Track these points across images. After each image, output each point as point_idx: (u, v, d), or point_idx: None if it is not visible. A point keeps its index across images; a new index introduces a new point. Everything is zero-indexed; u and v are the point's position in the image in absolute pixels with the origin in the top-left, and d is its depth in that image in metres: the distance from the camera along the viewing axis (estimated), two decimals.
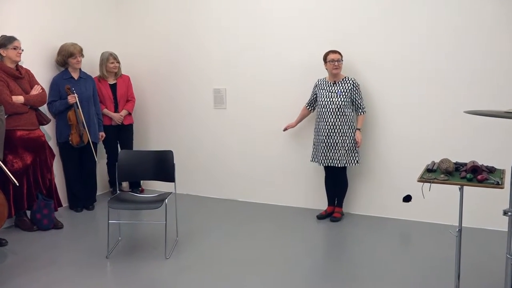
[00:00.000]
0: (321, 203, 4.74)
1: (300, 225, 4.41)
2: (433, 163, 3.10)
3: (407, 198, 4.23)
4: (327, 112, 4.30)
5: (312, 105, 4.54)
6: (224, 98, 5.19)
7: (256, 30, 4.91)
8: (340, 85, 4.32)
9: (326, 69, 4.35)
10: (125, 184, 5.53)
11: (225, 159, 5.29)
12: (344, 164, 4.32)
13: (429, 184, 2.67)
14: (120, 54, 5.28)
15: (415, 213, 4.44)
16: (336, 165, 4.33)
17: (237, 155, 5.21)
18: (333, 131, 4.29)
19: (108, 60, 5.07)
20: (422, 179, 2.72)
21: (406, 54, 4.31)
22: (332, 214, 4.54)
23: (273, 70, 4.88)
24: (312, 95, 4.51)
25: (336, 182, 4.51)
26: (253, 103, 5.04)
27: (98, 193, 5.25)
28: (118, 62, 5.17)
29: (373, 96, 4.47)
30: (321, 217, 4.55)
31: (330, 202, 4.61)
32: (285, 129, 4.70)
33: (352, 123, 4.31)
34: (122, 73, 5.27)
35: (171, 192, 3.89)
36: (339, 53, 4.29)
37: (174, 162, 3.85)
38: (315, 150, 4.50)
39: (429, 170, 2.95)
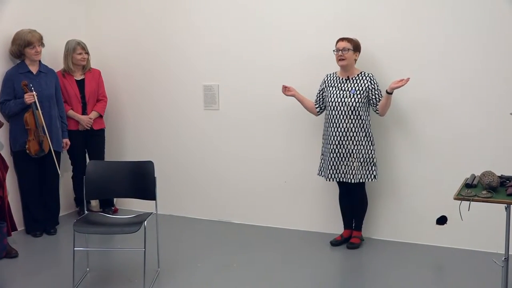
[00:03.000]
0: (336, 226, 4.73)
1: (310, 253, 4.41)
2: (473, 176, 3.11)
3: (442, 220, 4.23)
4: (337, 115, 4.30)
5: (319, 104, 4.52)
6: (217, 96, 5.20)
7: (255, 13, 4.92)
8: (354, 81, 4.33)
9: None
10: (94, 203, 5.52)
11: (217, 172, 5.29)
12: (359, 179, 4.32)
13: (468, 202, 2.68)
14: (89, 43, 5.29)
15: (451, 239, 4.43)
16: (349, 181, 4.33)
17: (233, 166, 5.22)
18: (345, 138, 4.29)
19: (75, 50, 5.09)
20: (459, 197, 2.73)
21: (438, 46, 4.32)
22: (349, 239, 4.54)
23: (276, 63, 4.89)
24: (319, 91, 4.50)
25: (353, 201, 4.50)
26: (251, 103, 5.05)
27: (61, 213, 5.23)
28: (87, 53, 5.19)
29: (395, 96, 4.47)
30: (335, 243, 4.55)
31: (347, 225, 4.61)
32: (287, 90, 4.53)
33: (368, 129, 4.31)
34: (92, 66, 5.29)
35: (152, 213, 3.89)
36: (349, 41, 4.26)
37: (156, 175, 3.85)
38: (322, 161, 4.51)
39: (468, 185, 2.96)
